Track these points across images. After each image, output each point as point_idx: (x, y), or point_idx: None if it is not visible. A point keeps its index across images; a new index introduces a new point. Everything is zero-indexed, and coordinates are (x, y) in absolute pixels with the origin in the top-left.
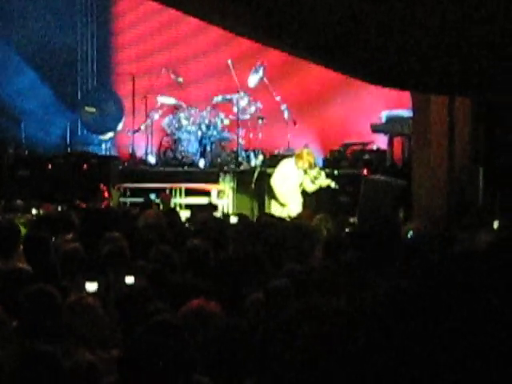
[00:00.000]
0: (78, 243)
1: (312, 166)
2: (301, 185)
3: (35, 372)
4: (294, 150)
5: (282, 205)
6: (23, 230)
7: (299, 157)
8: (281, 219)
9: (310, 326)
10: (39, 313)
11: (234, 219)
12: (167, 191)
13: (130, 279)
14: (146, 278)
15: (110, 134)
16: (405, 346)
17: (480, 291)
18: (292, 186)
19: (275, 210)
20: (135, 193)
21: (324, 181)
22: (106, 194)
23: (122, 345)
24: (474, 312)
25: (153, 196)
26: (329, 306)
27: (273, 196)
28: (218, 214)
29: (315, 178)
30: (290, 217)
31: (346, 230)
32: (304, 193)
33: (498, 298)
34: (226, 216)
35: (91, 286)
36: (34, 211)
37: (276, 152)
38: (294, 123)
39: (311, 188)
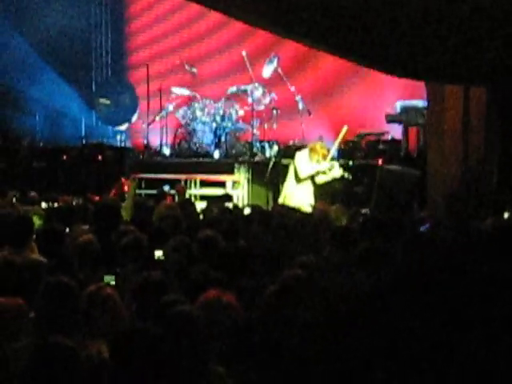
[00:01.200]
0: (91, 235)
1: (325, 157)
2: (313, 177)
3: (51, 365)
4: (309, 141)
5: (295, 196)
6: (38, 222)
7: (313, 150)
8: (295, 209)
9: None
10: (58, 305)
11: (247, 210)
12: (182, 183)
13: (158, 253)
14: (163, 270)
15: (125, 126)
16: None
17: (478, 278)
18: (305, 178)
19: (289, 201)
20: (150, 184)
21: (337, 172)
22: (126, 188)
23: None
24: (470, 299)
25: (166, 187)
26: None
27: (288, 187)
28: (231, 205)
29: (329, 169)
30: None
31: (359, 220)
32: (315, 184)
33: (495, 285)
34: (236, 208)
35: (109, 279)
36: (45, 204)
37: (291, 143)
38: (309, 113)
39: (323, 180)
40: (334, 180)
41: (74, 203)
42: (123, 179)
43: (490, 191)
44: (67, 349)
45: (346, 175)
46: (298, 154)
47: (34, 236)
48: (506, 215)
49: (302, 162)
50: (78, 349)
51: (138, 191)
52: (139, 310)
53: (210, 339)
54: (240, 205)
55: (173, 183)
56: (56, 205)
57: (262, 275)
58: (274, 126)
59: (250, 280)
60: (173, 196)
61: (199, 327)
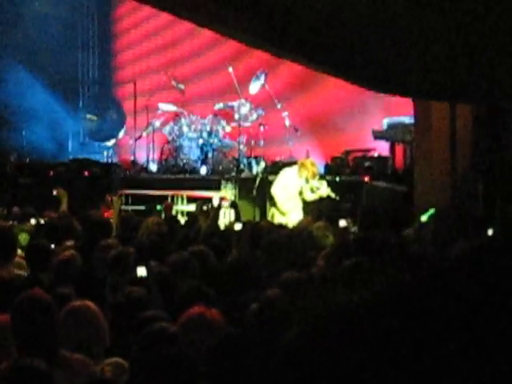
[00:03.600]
0: (74, 251)
1: (315, 175)
2: (300, 193)
3: None
4: (296, 158)
5: (283, 213)
6: (25, 238)
7: (303, 166)
8: (279, 226)
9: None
10: (31, 320)
11: (238, 226)
12: (169, 199)
13: (141, 271)
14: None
15: (112, 142)
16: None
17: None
18: (293, 195)
19: (277, 218)
20: (137, 200)
21: (325, 191)
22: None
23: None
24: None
25: (159, 207)
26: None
27: (274, 204)
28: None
29: (317, 188)
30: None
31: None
32: (304, 201)
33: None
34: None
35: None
36: (34, 220)
37: (277, 159)
38: (296, 130)
39: (310, 197)
40: (321, 198)
41: (60, 218)
42: (109, 196)
43: (476, 208)
44: (40, 372)
45: (333, 195)
46: (287, 170)
47: (23, 252)
48: (490, 232)
49: (291, 177)
50: (50, 372)
51: (124, 207)
52: (120, 326)
53: (194, 357)
54: (227, 222)
55: (161, 200)
56: (43, 221)
57: (249, 292)
58: (261, 142)
59: (239, 296)
60: (160, 212)
61: (181, 345)
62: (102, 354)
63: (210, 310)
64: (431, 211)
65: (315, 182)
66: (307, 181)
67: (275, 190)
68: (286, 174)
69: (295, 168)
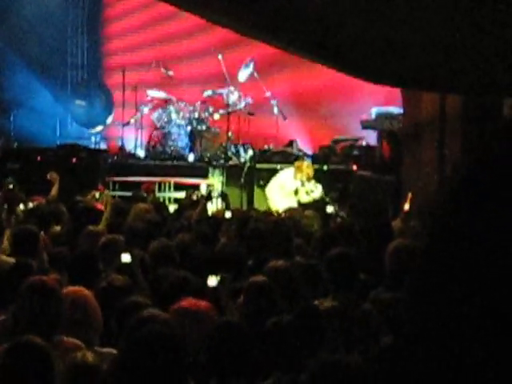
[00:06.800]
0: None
1: (310, 178)
2: (296, 193)
3: (22, 365)
4: (283, 145)
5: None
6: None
7: (299, 168)
8: (267, 214)
9: None
10: (32, 305)
11: (228, 214)
12: (156, 185)
13: (126, 257)
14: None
15: (100, 128)
16: None
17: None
18: (287, 196)
19: None
20: (124, 186)
21: (319, 194)
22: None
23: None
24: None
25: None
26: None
27: (267, 205)
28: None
29: (311, 191)
30: (277, 212)
31: (332, 224)
32: (298, 202)
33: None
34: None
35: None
36: (21, 206)
37: (265, 147)
38: (284, 118)
39: (305, 200)
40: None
41: (47, 204)
42: (101, 186)
43: None
44: (39, 348)
45: (328, 199)
46: (283, 172)
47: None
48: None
49: (287, 179)
50: (51, 349)
51: (112, 193)
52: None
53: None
54: (214, 209)
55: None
56: (31, 205)
57: (234, 281)
58: (249, 130)
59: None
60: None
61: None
62: (97, 340)
63: (201, 302)
64: (409, 196)
65: (310, 185)
66: (303, 183)
67: (270, 191)
68: (282, 175)
69: (291, 170)
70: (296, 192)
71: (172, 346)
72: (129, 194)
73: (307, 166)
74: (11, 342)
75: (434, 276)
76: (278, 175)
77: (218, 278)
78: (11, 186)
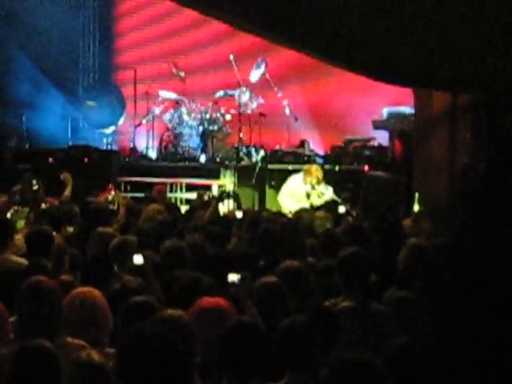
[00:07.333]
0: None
1: (320, 181)
2: (308, 197)
3: (32, 368)
4: (294, 146)
5: None
6: (22, 224)
7: (308, 172)
8: (279, 214)
9: None
10: (37, 307)
11: (239, 214)
12: (168, 186)
13: (138, 258)
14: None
15: (112, 129)
16: None
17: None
18: (299, 201)
19: None
20: (136, 187)
21: (330, 196)
22: (113, 193)
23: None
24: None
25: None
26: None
27: (279, 206)
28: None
29: (322, 193)
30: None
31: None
32: (311, 206)
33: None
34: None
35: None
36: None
37: (277, 148)
38: (295, 119)
39: (317, 202)
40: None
41: (60, 205)
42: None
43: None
44: (48, 352)
45: (339, 200)
46: (293, 177)
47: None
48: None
49: (297, 184)
50: (57, 352)
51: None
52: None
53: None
54: (226, 210)
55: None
56: (43, 206)
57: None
58: (261, 130)
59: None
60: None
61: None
62: (107, 340)
63: (221, 301)
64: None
65: (321, 187)
66: (313, 187)
67: (282, 198)
68: (291, 181)
69: (300, 175)
70: (308, 196)
71: (171, 346)
72: (140, 194)
73: (316, 169)
74: (16, 344)
75: (473, 272)
76: (287, 182)
77: (239, 276)
78: (36, 187)
